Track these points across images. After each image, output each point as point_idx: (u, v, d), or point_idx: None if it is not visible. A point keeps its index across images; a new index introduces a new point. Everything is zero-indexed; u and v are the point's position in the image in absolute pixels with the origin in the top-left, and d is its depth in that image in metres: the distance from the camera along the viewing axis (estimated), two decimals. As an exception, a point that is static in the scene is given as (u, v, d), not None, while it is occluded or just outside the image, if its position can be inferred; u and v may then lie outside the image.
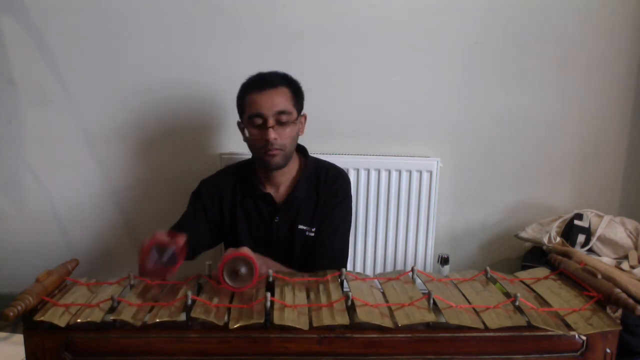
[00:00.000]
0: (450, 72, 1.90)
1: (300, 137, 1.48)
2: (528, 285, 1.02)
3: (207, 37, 1.84)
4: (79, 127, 1.90)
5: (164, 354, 0.87)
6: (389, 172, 1.86)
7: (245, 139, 1.42)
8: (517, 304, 0.91)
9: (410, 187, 1.87)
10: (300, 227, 1.45)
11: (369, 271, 1.95)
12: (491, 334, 0.87)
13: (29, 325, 0.86)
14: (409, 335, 0.88)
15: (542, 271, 1.08)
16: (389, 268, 1.95)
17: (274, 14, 1.83)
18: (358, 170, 1.85)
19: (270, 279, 0.99)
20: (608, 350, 0.90)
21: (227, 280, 0.94)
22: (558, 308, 0.91)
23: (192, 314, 0.86)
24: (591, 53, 1.90)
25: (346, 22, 1.84)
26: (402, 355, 0.89)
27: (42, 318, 0.85)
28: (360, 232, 1.91)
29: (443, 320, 0.88)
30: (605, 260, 1.72)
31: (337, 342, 0.88)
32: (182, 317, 0.87)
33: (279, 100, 1.34)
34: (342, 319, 0.87)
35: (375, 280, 1.04)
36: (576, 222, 1.80)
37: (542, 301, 0.95)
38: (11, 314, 0.80)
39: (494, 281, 1.03)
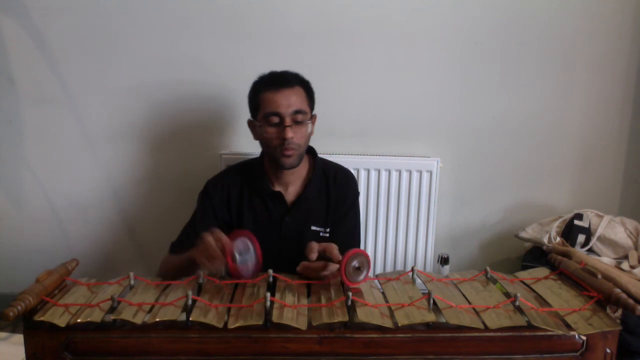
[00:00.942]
0: (450, 72, 1.90)
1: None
2: (528, 285, 1.02)
3: (208, 38, 1.84)
4: (79, 127, 1.90)
5: (164, 354, 0.87)
6: (389, 172, 1.86)
7: (258, 138, 1.41)
8: (517, 304, 0.91)
9: (410, 187, 1.87)
10: (314, 228, 1.44)
11: (369, 271, 1.95)
12: (491, 334, 0.87)
13: (29, 325, 0.86)
14: (409, 335, 0.88)
15: (542, 271, 1.08)
16: (389, 268, 1.95)
17: (274, 14, 1.83)
18: (358, 170, 1.85)
19: (271, 279, 0.99)
20: (608, 350, 0.90)
21: (349, 277, 0.97)
22: (558, 308, 0.91)
23: (192, 317, 0.86)
24: (591, 53, 1.90)
25: (346, 22, 1.84)
26: (402, 355, 0.89)
27: (42, 318, 0.85)
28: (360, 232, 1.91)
29: (443, 320, 0.88)
30: (605, 260, 1.72)
31: (337, 342, 0.88)
32: (182, 317, 0.87)
33: (295, 99, 1.34)
34: (342, 319, 0.87)
35: (375, 280, 1.04)
36: (576, 222, 1.80)
37: (542, 301, 0.95)
38: (11, 314, 0.80)
39: (494, 281, 1.03)
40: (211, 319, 0.86)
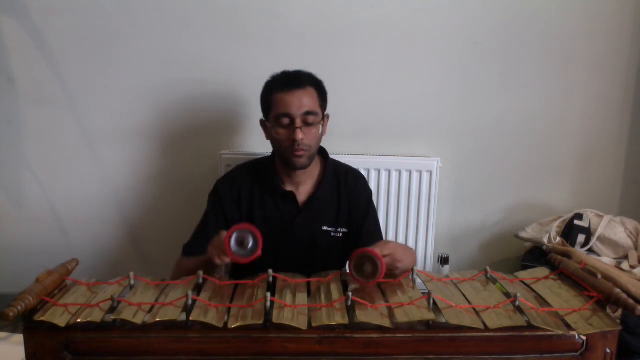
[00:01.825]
0: (450, 72, 1.90)
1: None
2: (528, 285, 1.02)
3: (208, 38, 1.84)
4: (79, 127, 1.90)
5: (164, 354, 0.87)
6: (389, 172, 1.86)
7: (270, 138, 1.41)
8: (517, 304, 0.91)
9: (410, 187, 1.87)
10: (325, 228, 1.44)
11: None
12: (491, 334, 0.87)
13: (29, 325, 0.86)
14: (409, 335, 0.88)
15: (542, 271, 1.08)
16: (389, 268, 1.95)
17: (274, 14, 1.83)
18: (358, 170, 1.85)
19: (271, 279, 0.99)
20: (608, 350, 0.90)
21: (356, 275, 0.98)
22: (558, 308, 0.91)
23: (192, 317, 0.86)
24: (591, 53, 1.90)
25: (346, 22, 1.85)
26: (402, 355, 0.89)
27: (42, 318, 0.85)
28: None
29: (443, 320, 0.88)
30: (605, 260, 1.72)
31: (337, 342, 0.88)
32: (182, 317, 0.87)
33: (307, 100, 1.33)
34: (342, 319, 0.87)
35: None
36: (576, 222, 1.80)
37: (542, 301, 0.95)
38: (11, 314, 0.80)
39: (494, 281, 1.03)
40: (211, 319, 0.86)
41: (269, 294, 0.89)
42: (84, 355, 0.87)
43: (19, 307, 0.81)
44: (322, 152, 1.49)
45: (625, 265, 1.69)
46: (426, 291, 0.93)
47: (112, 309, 0.88)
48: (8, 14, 1.81)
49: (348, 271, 1.00)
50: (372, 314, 0.88)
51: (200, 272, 1.00)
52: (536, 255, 1.82)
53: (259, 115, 1.45)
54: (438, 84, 1.91)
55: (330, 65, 1.85)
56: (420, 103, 1.92)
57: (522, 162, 1.98)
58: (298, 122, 1.32)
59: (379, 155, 1.90)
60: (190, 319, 0.86)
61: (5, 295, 1.08)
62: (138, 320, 0.85)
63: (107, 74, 1.86)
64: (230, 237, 1.03)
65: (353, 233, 1.45)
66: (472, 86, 1.91)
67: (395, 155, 1.89)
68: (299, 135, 1.31)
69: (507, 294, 0.96)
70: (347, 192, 1.46)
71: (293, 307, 0.90)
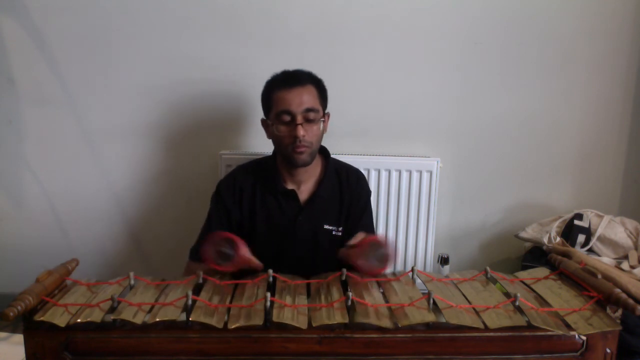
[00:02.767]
0: (450, 72, 1.90)
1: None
2: (528, 285, 1.02)
3: (208, 38, 1.84)
4: (79, 127, 1.90)
5: (164, 354, 0.87)
6: (389, 172, 1.86)
7: (271, 136, 1.42)
8: (517, 304, 0.91)
9: (410, 187, 1.87)
10: (327, 226, 1.44)
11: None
12: (491, 334, 0.87)
13: (29, 325, 0.86)
14: (409, 335, 0.88)
15: (542, 271, 1.08)
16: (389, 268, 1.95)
17: (274, 14, 1.83)
18: (358, 169, 1.85)
19: (271, 279, 0.99)
20: (608, 350, 0.90)
21: (375, 263, 1.00)
22: (558, 308, 0.91)
23: (192, 317, 0.86)
24: (591, 53, 1.90)
25: (346, 22, 1.84)
26: (402, 355, 0.89)
27: (42, 318, 0.85)
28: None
29: (443, 320, 0.88)
30: (605, 260, 1.72)
31: (337, 342, 0.88)
32: (182, 317, 0.87)
33: (307, 97, 1.34)
34: (342, 319, 0.87)
35: (375, 281, 1.04)
36: (576, 222, 1.80)
37: (542, 301, 0.95)
38: (11, 314, 0.80)
39: (494, 281, 1.03)
40: (211, 319, 0.86)
41: (269, 294, 0.89)
42: (84, 355, 0.87)
43: (19, 307, 0.81)
44: (323, 151, 1.50)
45: (625, 265, 1.69)
46: (426, 291, 0.93)
47: (112, 309, 0.88)
48: (8, 14, 1.81)
49: (357, 262, 1.01)
50: (372, 314, 0.88)
51: (201, 272, 1.00)
52: (536, 255, 1.82)
53: (260, 115, 1.45)
54: (438, 84, 1.91)
55: (330, 65, 1.85)
56: (420, 103, 1.92)
57: (522, 162, 1.98)
58: (299, 119, 1.32)
59: (379, 155, 1.90)
60: (190, 319, 0.86)
61: (5, 295, 1.08)
62: (138, 320, 0.85)
63: (107, 74, 1.86)
64: (209, 252, 1.02)
65: (348, 230, 1.45)
66: (472, 86, 1.91)
67: (395, 155, 1.89)
68: (301, 131, 1.32)
69: (507, 294, 0.96)
70: (349, 190, 1.47)
71: (293, 307, 0.90)
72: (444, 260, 1.73)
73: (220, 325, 0.85)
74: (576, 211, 1.85)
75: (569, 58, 1.90)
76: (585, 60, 1.91)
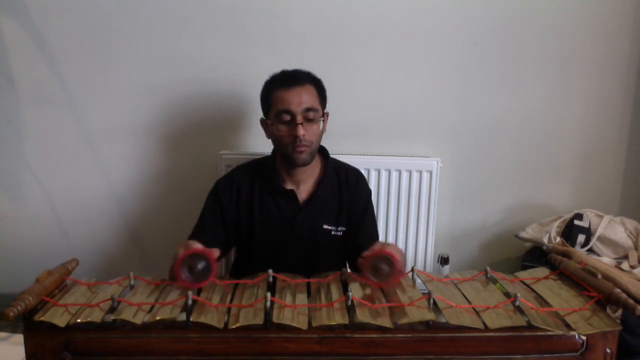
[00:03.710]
0: (450, 72, 1.90)
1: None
2: (528, 285, 1.02)
3: (208, 38, 1.84)
4: (79, 127, 1.90)
5: (164, 354, 0.87)
6: (389, 172, 1.86)
7: (271, 136, 1.42)
8: (517, 304, 0.91)
9: (410, 187, 1.87)
10: (326, 226, 1.44)
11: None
12: (491, 334, 0.87)
13: (29, 325, 0.86)
14: (409, 335, 0.88)
15: (542, 271, 1.08)
16: (389, 268, 1.95)
17: (274, 14, 1.83)
18: (358, 169, 1.85)
19: (271, 279, 0.99)
20: (608, 350, 0.90)
21: (372, 277, 0.98)
22: (558, 308, 0.91)
23: (192, 317, 0.86)
24: (591, 53, 1.90)
25: (346, 22, 1.84)
26: (402, 355, 0.89)
27: (42, 318, 0.85)
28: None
29: (443, 320, 0.88)
30: (605, 260, 1.72)
31: (337, 342, 0.88)
32: (182, 317, 0.87)
33: (307, 97, 1.34)
34: (342, 319, 0.87)
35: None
36: (576, 222, 1.80)
37: (542, 301, 0.95)
38: (11, 314, 0.80)
39: (494, 281, 1.03)
40: (211, 319, 0.86)
41: (269, 294, 0.89)
42: (84, 355, 0.87)
43: (19, 307, 0.81)
44: (323, 151, 1.50)
45: (625, 265, 1.69)
46: (426, 291, 0.93)
47: (112, 309, 0.88)
48: (8, 14, 1.81)
49: (361, 273, 1.00)
50: (372, 314, 0.88)
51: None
52: (536, 255, 1.82)
53: (259, 115, 1.45)
54: (438, 84, 1.91)
55: (330, 65, 1.85)
56: (420, 103, 1.92)
57: (522, 162, 1.98)
58: (299, 119, 1.32)
59: (379, 155, 1.90)
60: (190, 319, 0.86)
61: (5, 295, 1.08)
62: (138, 320, 0.85)
63: (107, 74, 1.86)
64: (182, 262, 0.95)
65: (350, 230, 1.45)
66: (472, 86, 1.91)
67: (395, 155, 1.89)
68: (301, 131, 1.32)
69: (507, 294, 0.96)
70: (348, 190, 1.47)
71: (293, 307, 0.90)
72: (444, 260, 1.74)
73: (221, 325, 0.85)
74: (576, 211, 1.85)
75: (569, 58, 1.90)
76: (585, 60, 1.91)
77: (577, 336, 0.89)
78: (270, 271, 0.99)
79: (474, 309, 0.91)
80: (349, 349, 0.88)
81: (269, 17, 1.83)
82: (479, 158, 1.98)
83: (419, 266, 1.89)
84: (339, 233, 1.45)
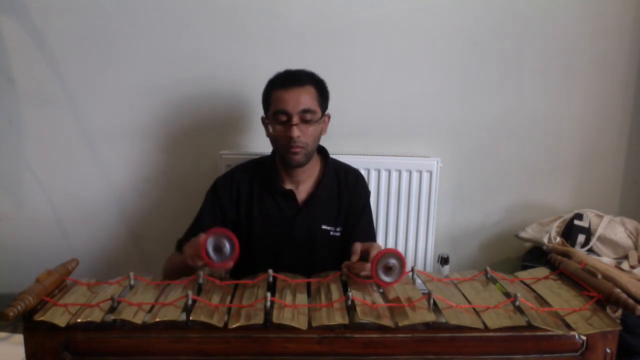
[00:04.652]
0: (450, 72, 1.90)
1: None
2: (528, 285, 1.02)
3: (208, 38, 1.84)
4: (79, 127, 1.90)
5: (164, 354, 0.87)
6: (389, 172, 1.86)
7: (269, 135, 1.42)
8: (517, 304, 0.91)
9: (410, 187, 1.87)
10: (324, 227, 1.44)
11: (369, 271, 1.95)
12: (491, 334, 0.87)
13: (29, 325, 0.86)
14: (409, 335, 0.88)
15: (542, 271, 1.08)
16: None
17: (274, 14, 1.83)
18: (358, 170, 1.85)
19: (271, 279, 0.99)
20: (608, 350, 0.90)
21: (381, 276, 0.96)
22: (558, 308, 0.91)
23: (192, 317, 0.86)
24: (591, 53, 1.90)
25: (346, 22, 1.84)
26: (402, 355, 0.89)
27: (42, 318, 0.85)
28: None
29: (443, 320, 0.88)
30: (605, 260, 1.72)
31: (337, 342, 0.88)
32: (182, 317, 0.87)
33: (305, 98, 1.34)
34: (342, 319, 0.87)
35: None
36: (576, 222, 1.80)
37: (542, 301, 0.95)
38: (11, 314, 0.80)
39: (494, 281, 1.03)
40: (211, 319, 0.86)
41: (269, 294, 0.89)
42: (84, 355, 0.87)
43: (19, 307, 0.81)
44: (322, 151, 1.50)
45: (625, 265, 1.69)
46: (426, 291, 0.93)
47: (112, 309, 0.88)
48: (8, 14, 1.81)
49: (369, 274, 0.99)
50: (372, 314, 0.88)
51: (201, 272, 1.00)
52: (536, 255, 1.82)
53: (259, 115, 1.45)
54: (438, 84, 1.91)
55: (330, 65, 1.84)
56: (420, 103, 1.92)
57: (522, 162, 1.98)
58: (295, 119, 1.32)
59: (379, 155, 1.90)
60: (190, 319, 0.86)
61: (5, 295, 1.08)
62: (138, 320, 0.85)
63: (107, 74, 1.86)
64: (207, 242, 0.99)
65: (347, 231, 1.45)
66: (472, 86, 1.91)
67: (395, 155, 1.89)
68: (295, 132, 1.32)
69: (507, 294, 0.96)
70: (347, 191, 1.47)
71: (293, 307, 0.90)
72: (444, 260, 1.73)
73: (220, 325, 0.85)
74: (576, 211, 1.85)
75: (569, 58, 1.90)
76: (585, 60, 1.91)
77: (577, 336, 0.89)
78: (270, 271, 0.99)
79: (474, 309, 0.91)
80: (349, 349, 0.88)
81: (269, 17, 1.83)
82: (479, 158, 1.98)
83: (419, 266, 1.89)
84: (337, 233, 1.45)
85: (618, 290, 0.89)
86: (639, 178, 2.01)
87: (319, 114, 1.38)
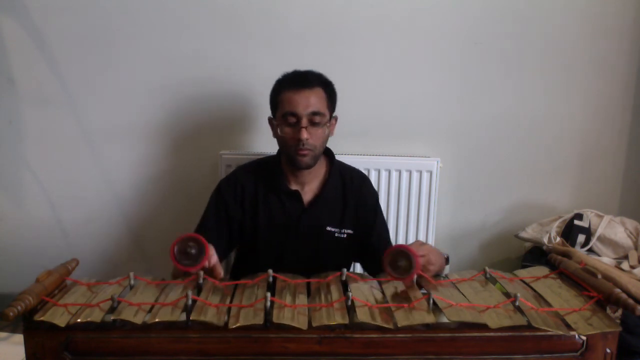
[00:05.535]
0: (450, 72, 1.90)
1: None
2: (528, 284, 1.02)
3: (208, 38, 1.84)
4: (79, 127, 1.90)
5: (164, 354, 0.87)
6: (389, 172, 1.86)
7: (276, 136, 1.41)
8: (517, 303, 0.91)
9: (410, 187, 1.87)
10: (329, 228, 1.44)
11: (369, 271, 1.95)
12: (491, 334, 0.87)
13: (29, 325, 0.86)
14: (409, 335, 0.88)
15: (541, 270, 1.08)
16: (389, 268, 1.95)
17: (274, 14, 1.83)
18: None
19: (271, 279, 0.99)
20: (608, 350, 0.90)
21: (391, 271, 0.97)
22: (558, 308, 0.91)
23: (192, 317, 0.86)
24: (591, 53, 1.90)
25: (346, 22, 1.84)
26: (402, 355, 0.89)
27: (42, 318, 0.85)
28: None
29: (443, 320, 0.88)
30: (605, 260, 1.72)
31: (337, 342, 0.88)
32: (182, 317, 0.87)
33: (314, 100, 1.34)
34: (342, 319, 0.87)
35: (375, 281, 1.04)
36: (576, 222, 1.80)
37: (542, 301, 0.95)
38: (11, 314, 0.80)
39: (494, 281, 1.03)
40: (211, 319, 0.86)
41: (269, 294, 0.89)
42: (84, 355, 0.87)
43: (19, 307, 0.81)
44: (328, 153, 1.50)
45: (625, 265, 1.69)
46: (426, 291, 0.93)
47: (112, 309, 0.88)
48: (8, 14, 1.81)
49: (383, 267, 1.00)
50: (372, 314, 0.88)
51: (201, 272, 1.00)
52: (536, 255, 1.82)
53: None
54: (438, 84, 1.91)
55: (330, 65, 1.82)
56: (420, 103, 1.92)
57: (522, 162, 1.98)
58: (304, 122, 1.32)
59: (379, 155, 1.90)
60: (190, 319, 0.86)
61: (5, 295, 1.08)
62: (138, 320, 0.85)
63: (107, 74, 1.86)
64: (173, 251, 0.99)
65: (361, 234, 1.45)
66: (472, 86, 1.91)
67: (395, 155, 1.89)
68: (304, 134, 1.32)
69: (507, 294, 0.96)
70: (353, 193, 1.46)
71: (293, 307, 0.90)
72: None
73: (221, 325, 0.85)
74: (576, 211, 1.85)
75: (569, 58, 1.90)
76: (585, 60, 1.91)
77: (577, 336, 0.89)
78: (270, 271, 0.99)
79: (474, 308, 0.91)
80: (349, 349, 0.88)
81: (269, 17, 1.83)
82: (479, 158, 1.98)
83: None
84: (342, 235, 1.45)
85: (618, 290, 0.89)
86: (639, 178, 2.01)
87: (328, 116, 1.38)
